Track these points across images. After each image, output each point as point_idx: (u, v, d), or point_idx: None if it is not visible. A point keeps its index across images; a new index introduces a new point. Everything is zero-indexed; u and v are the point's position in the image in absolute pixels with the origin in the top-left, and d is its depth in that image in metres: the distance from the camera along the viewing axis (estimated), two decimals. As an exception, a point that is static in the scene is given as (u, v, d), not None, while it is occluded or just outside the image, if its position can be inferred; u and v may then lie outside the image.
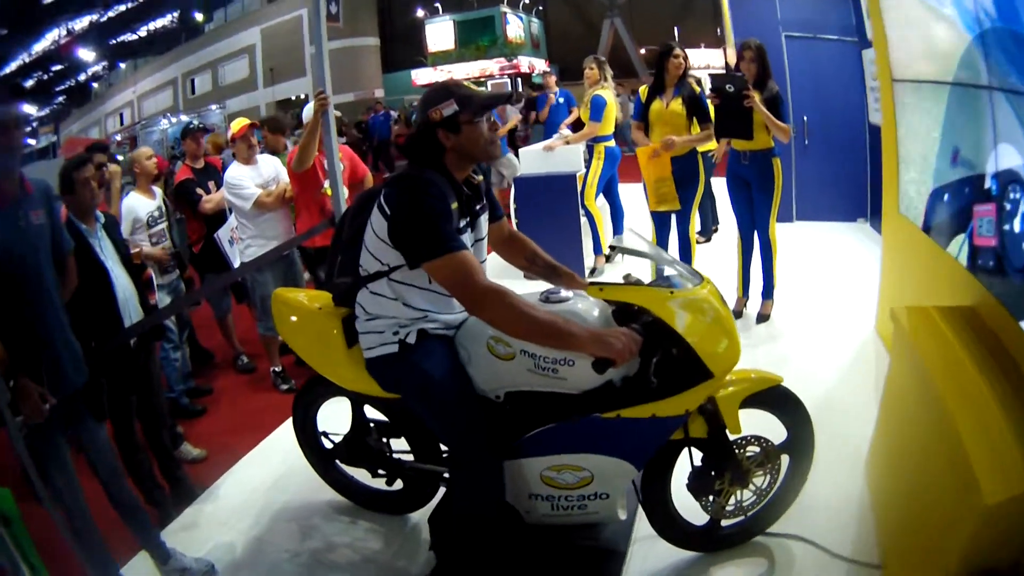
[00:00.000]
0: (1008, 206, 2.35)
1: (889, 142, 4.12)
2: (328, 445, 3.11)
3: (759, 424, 2.60)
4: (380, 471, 3.00)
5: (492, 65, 25.47)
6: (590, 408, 2.38)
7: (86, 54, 36.32)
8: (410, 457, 2.94)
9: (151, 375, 3.60)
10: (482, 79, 26.03)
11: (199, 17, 35.69)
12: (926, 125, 3.32)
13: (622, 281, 2.49)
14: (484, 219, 2.59)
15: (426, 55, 27.84)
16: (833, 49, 7.72)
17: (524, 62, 25.05)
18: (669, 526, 2.67)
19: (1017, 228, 2.29)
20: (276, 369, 4.96)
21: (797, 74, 7.27)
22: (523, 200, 6.56)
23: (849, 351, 4.57)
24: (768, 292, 5.19)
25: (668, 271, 2.64)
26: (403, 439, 2.96)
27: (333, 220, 4.42)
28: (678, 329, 2.31)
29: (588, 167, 6.61)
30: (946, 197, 3.06)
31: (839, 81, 7.66)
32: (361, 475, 3.14)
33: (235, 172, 4.77)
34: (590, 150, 6.65)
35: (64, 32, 35.54)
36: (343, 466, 3.17)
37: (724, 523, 2.71)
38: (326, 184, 4.70)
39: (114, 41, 36.44)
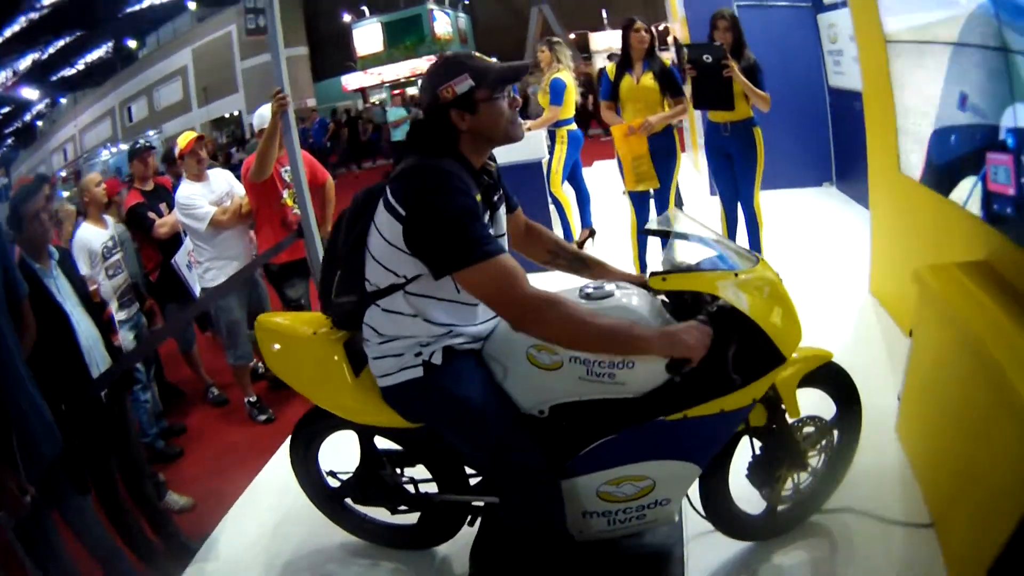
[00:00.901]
0: None
1: (879, 103, 4.07)
2: (334, 484, 2.80)
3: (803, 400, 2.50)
4: (401, 507, 2.71)
5: (422, 63, 25.26)
6: (652, 412, 2.17)
7: (30, 93, 35.52)
8: (431, 486, 2.64)
9: (127, 426, 3.25)
10: (412, 78, 25.84)
11: (132, 44, 34.78)
12: (925, 82, 3.32)
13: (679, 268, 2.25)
14: (503, 211, 2.30)
15: (355, 59, 27.54)
16: (788, 15, 7.84)
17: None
18: (728, 520, 2.54)
19: None
20: (251, 399, 4.69)
21: (752, 43, 7.10)
22: None
23: (849, 316, 4.56)
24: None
25: (718, 252, 2.36)
26: (420, 467, 2.68)
27: (300, 232, 4.24)
28: (748, 313, 2.12)
29: (551, 153, 6.50)
30: (952, 139, 3.04)
31: (796, 47, 7.72)
32: (375, 511, 2.87)
33: (186, 191, 4.43)
34: (552, 135, 6.53)
35: (11, 74, 34.81)
36: (354, 504, 2.85)
37: (780, 508, 2.60)
38: (285, 194, 4.46)
39: (55, 77, 35.63)
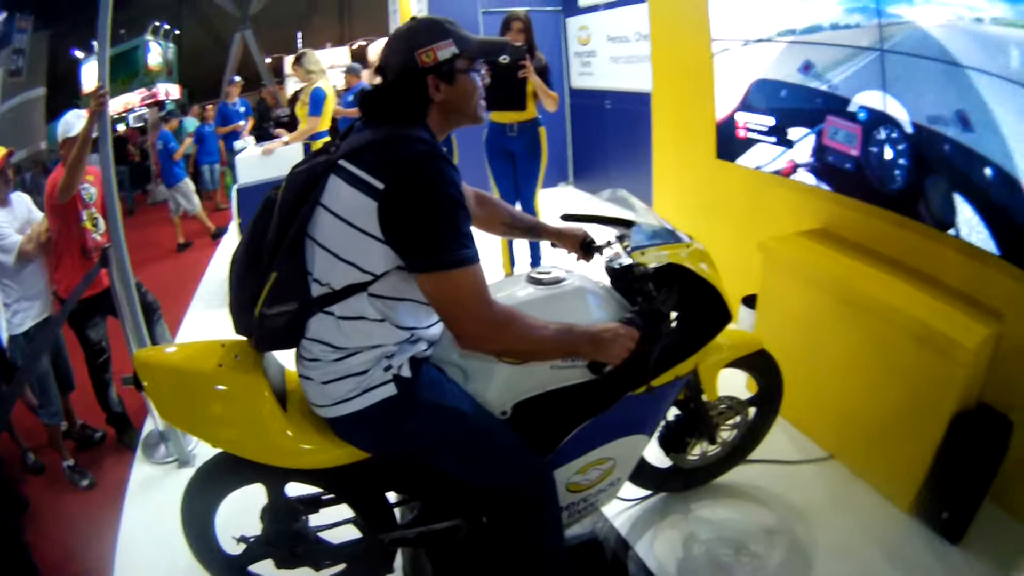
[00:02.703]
0: (877, 137, 2.97)
1: (698, 99, 4.41)
2: (237, 550, 2.24)
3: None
4: (327, 561, 2.29)
5: (134, 97, 23.55)
6: (621, 389, 2.14)
7: None
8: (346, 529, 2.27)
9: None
10: (123, 113, 23.93)
11: None
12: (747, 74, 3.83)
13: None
14: None
15: (81, 96, 24.99)
16: (534, 18, 7.97)
17: (162, 89, 23.63)
18: (637, 471, 2.55)
19: (888, 156, 2.94)
20: (69, 463, 3.93)
21: None
22: (248, 212, 5.91)
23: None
24: (537, 261, 5.36)
25: (650, 229, 2.34)
26: (327, 511, 2.27)
27: (105, 261, 3.61)
28: (707, 278, 2.22)
29: None
30: (783, 93, 3.53)
31: (541, 48, 7.86)
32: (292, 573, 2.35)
33: None
34: (307, 149, 6.26)
35: None
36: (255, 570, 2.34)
37: (685, 468, 2.83)
38: (84, 216, 3.81)
39: None
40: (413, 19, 1.80)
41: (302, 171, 1.79)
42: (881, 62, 2.86)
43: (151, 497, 2.98)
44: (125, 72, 23.17)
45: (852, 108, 3.07)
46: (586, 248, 2.43)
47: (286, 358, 2.01)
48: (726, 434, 2.81)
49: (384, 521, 2.16)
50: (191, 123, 11.67)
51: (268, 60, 23.81)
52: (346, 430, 1.88)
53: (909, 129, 2.79)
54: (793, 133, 3.48)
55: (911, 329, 2.68)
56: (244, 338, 1.95)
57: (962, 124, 2.53)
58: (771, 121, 3.63)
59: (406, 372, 1.82)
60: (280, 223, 1.77)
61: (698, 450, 2.78)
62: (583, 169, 9.08)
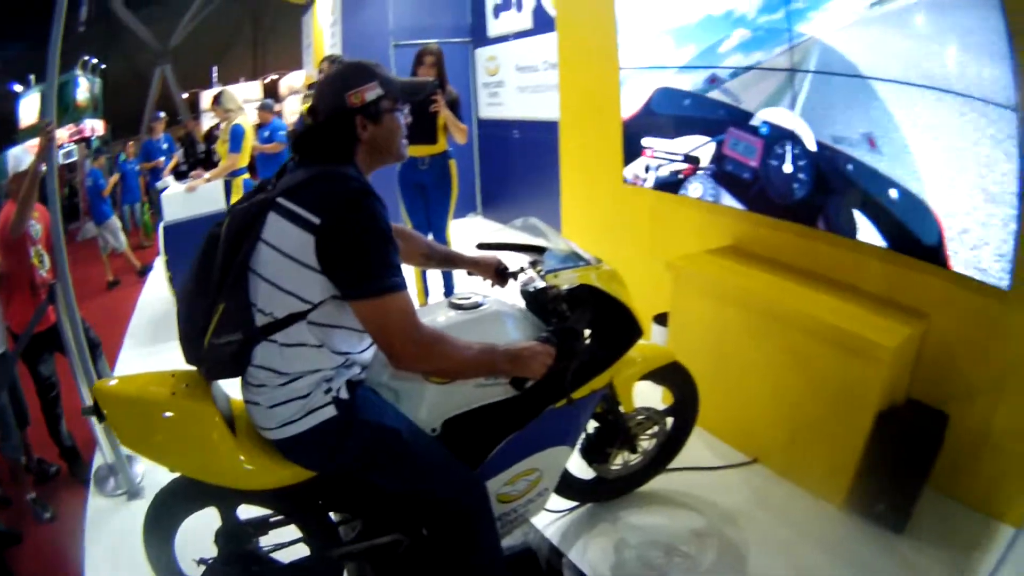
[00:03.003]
0: (778, 151, 3.18)
1: (605, 125, 4.55)
2: (197, 572, 2.30)
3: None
4: None
5: (63, 133, 22.81)
6: (543, 403, 2.27)
7: None
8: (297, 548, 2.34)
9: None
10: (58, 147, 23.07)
11: None
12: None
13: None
14: None
15: (18, 131, 24.02)
16: (444, 50, 8.10)
17: (88, 125, 23.04)
18: (564, 484, 2.73)
19: (787, 171, 3.15)
20: (32, 496, 3.79)
21: (406, 76, 7.61)
22: (175, 249, 5.89)
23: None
24: (450, 291, 5.38)
25: (561, 253, 2.53)
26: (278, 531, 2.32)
27: (52, 296, 3.57)
28: (618, 296, 2.41)
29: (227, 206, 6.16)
30: (686, 102, 3.70)
31: (450, 80, 8.00)
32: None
33: None
34: (227, 186, 6.23)
35: None
36: None
37: (609, 478, 2.93)
38: (32, 252, 3.77)
39: None
40: (342, 63, 1.98)
41: (242, 209, 1.88)
42: (791, 81, 3.04)
43: (109, 528, 3.11)
44: (60, 106, 22.39)
45: (755, 122, 3.25)
46: (501, 275, 2.57)
47: (231, 387, 2.09)
48: (646, 443, 2.91)
49: (330, 538, 2.25)
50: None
51: (185, 96, 23.62)
52: (292, 451, 1.97)
53: (813, 147, 2.98)
54: (694, 140, 3.65)
55: (826, 335, 2.86)
56: (192, 367, 2.02)
57: (868, 144, 2.74)
58: (672, 127, 3.81)
59: (344, 394, 1.94)
60: (224, 258, 1.86)
61: (620, 460, 2.89)
62: (492, 199, 9.18)
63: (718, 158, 3.51)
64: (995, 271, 2.44)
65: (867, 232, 2.86)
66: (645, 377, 2.75)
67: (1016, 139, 2.26)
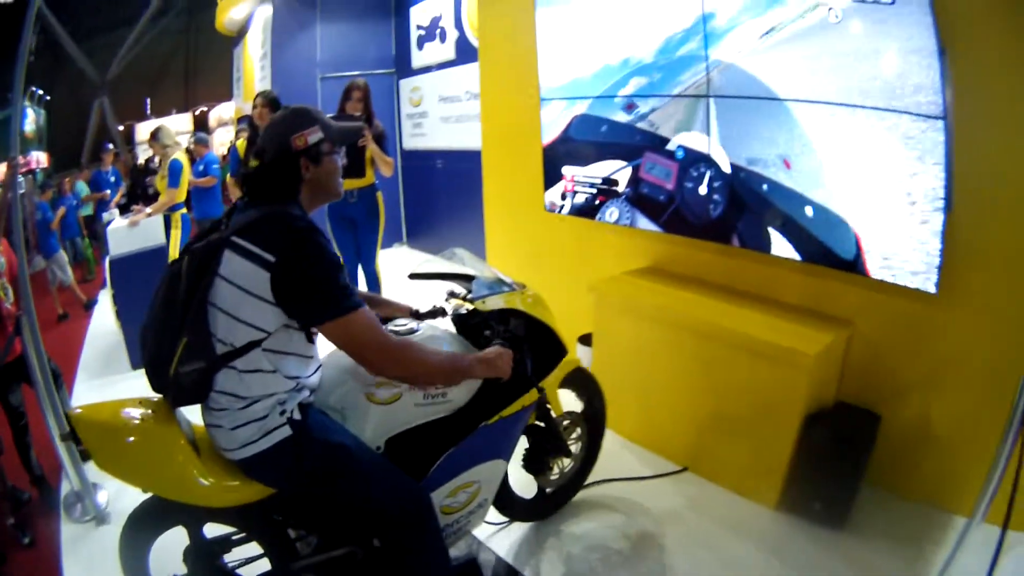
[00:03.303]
0: (693, 174, 3.37)
1: (527, 154, 4.67)
2: None
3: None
4: None
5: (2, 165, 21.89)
6: (477, 420, 2.45)
7: None
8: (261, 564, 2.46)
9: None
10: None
11: None
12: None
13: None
14: None
15: None
16: (369, 82, 8.21)
17: (33, 157, 22.42)
18: (508, 503, 2.92)
19: (703, 192, 3.34)
20: (11, 522, 3.78)
21: (332, 108, 7.63)
22: (120, 282, 5.78)
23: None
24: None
25: (487, 281, 2.71)
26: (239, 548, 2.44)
27: (19, 328, 3.64)
28: (542, 318, 2.62)
29: (168, 239, 6.09)
30: (604, 128, 3.88)
31: (376, 111, 8.07)
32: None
33: None
34: (167, 220, 6.18)
35: None
36: None
37: (549, 490, 3.09)
38: None
39: None
40: (286, 108, 2.17)
41: (200, 248, 2.03)
42: (705, 106, 3.24)
43: (84, 551, 3.21)
44: (4, 135, 21.63)
45: (671, 147, 3.44)
46: (416, 316, 2.71)
47: (192, 413, 2.21)
48: (574, 447, 3.07)
49: (289, 553, 2.36)
50: (82, 187, 11.31)
51: (120, 128, 23.30)
52: (253, 469, 2.10)
53: (727, 169, 3.17)
54: (611, 165, 3.82)
55: (746, 346, 3.04)
56: (157, 395, 2.16)
57: (783, 165, 2.95)
58: (591, 153, 3.97)
59: (297, 415, 2.08)
60: (186, 293, 2.02)
61: (557, 468, 3.04)
62: (417, 229, 9.23)
63: (634, 181, 3.68)
64: (921, 277, 2.66)
65: (783, 247, 3.05)
66: (561, 385, 2.95)
67: (943, 147, 2.48)
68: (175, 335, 2.04)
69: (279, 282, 1.92)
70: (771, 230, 3.08)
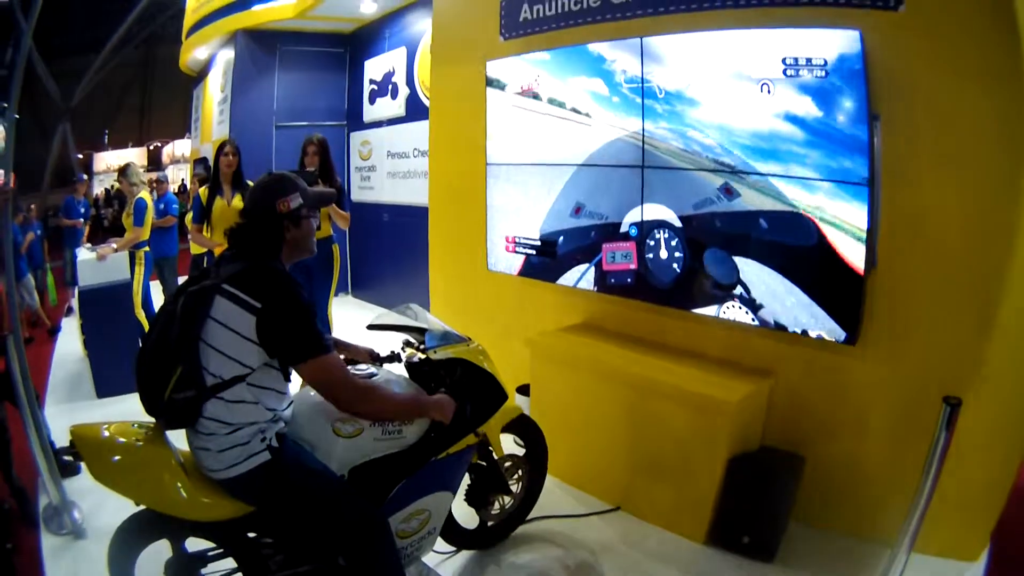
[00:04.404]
0: (652, 243, 3.64)
1: (471, 214, 4.89)
2: None
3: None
4: None
5: None
6: (427, 455, 2.73)
7: None
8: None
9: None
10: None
11: None
12: (518, 196, 4.44)
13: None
14: None
15: None
16: (322, 133, 8.32)
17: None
18: (453, 533, 3.19)
19: (664, 256, 3.60)
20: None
21: (285, 157, 7.80)
22: (88, 311, 5.92)
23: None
24: None
25: (438, 333, 3.03)
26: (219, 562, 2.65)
27: (3, 345, 3.82)
28: (484, 367, 2.94)
29: (132, 275, 6.08)
30: (561, 239, 4.16)
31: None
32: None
33: None
34: (131, 257, 6.20)
35: None
36: None
37: (490, 523, 3.33)
38: None
39: None
40: (270, 174, 2.51)
41: (194, 291, 2.30)
42: (641, 177, 3.57)
43: (65, 561, 3.32)
44: None
45: (624, 228, 3.75)
46: (375, 359, 2.97)
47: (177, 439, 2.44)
48: (515, 487, 3.33)
49: (260, 568, 2.55)
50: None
51: (80, 156, 22.91)
52: (235, 488, 2.34)
53: (678, 223, 3.48)
54: (576, 273, 4.09)
55: (670, 394, 3.32)
56: (148, 418, 2.41)
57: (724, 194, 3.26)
58: (555, 268, 4.21)
59: (275, 443, 2.35)
60: (181, 330, 2.27)
61: (498, 505, 3.30)
62: (362, 280, 9.30)
63: (600, 278, 3.94)
64: (838, 330, 2.97)
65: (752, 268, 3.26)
66: (504, 430, 3.23)
67: (866, 211, 2.80)
68: (169, 365, 2.28)
69: (263, 325, 2.22)
70: (736, 259, 3.29)
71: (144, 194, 6.28)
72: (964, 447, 2.60)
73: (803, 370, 3.31)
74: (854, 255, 2.87)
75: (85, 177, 11.00)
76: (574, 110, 3.88)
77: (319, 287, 5.16)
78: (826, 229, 2.93)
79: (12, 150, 3.75)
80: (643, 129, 3.51)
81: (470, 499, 3.22)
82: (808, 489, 3.26)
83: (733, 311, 3.33)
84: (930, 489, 2.46)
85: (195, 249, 6.00)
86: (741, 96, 3.12)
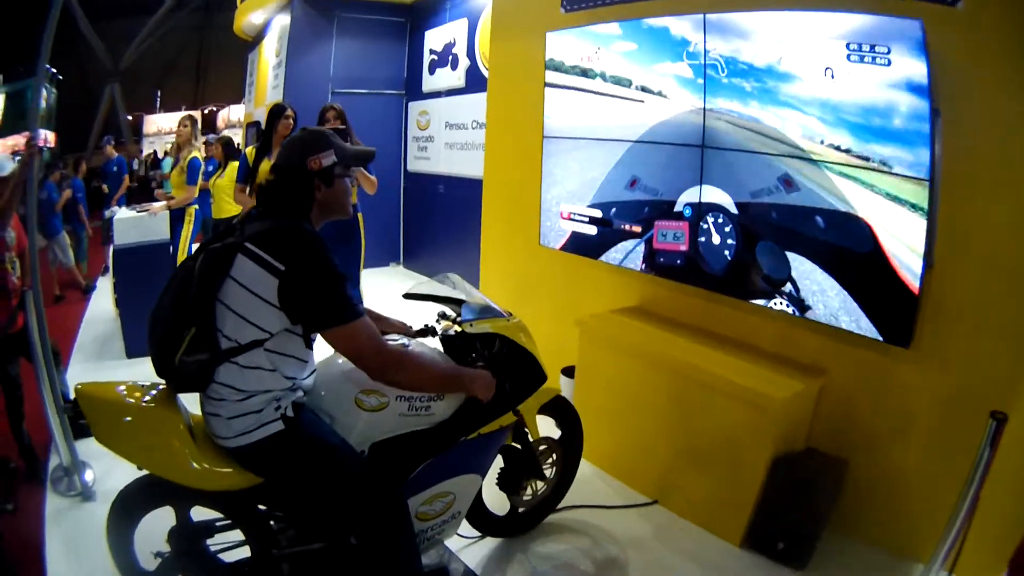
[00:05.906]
0: (705, 226, 3.55)
1: (528, 188, 4.82)
2: (151, 566, 2.51)
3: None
4: None
5: (20, 139, 21.66)
6: (457, 435, 2.61)
7: None
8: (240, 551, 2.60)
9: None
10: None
11: None
12: (575, 168, 4.36)
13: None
14: None
15: None
16: (379, 101, 8.73)
17: (42, 135, 21.93)
18: (481, 518, 3.11)
19: (716, 241, 3.51)
20: None
21: None
22: (122, 271, 5.93)
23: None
24: None
25: (476, 306, 2.89)
26: (224, 534, 2.56)
27: (23, 301, 3.75)
28: (525, 345, 2.80)
29: (179, 232, 6.31)
30: (614, 211, 4.07)
31: (383, 131, 8.60)
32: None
33: None
34: (182, 213, 6.43)
35: None
36: None
37: (521, 510, 3.23)
38: (5, 258, 3.82)
39: None
40: (304, 130, 2.36)
41: (215, 249, 2.20)
42: (701, 158, 3.47)
43: (67, 523, 3.31)
44: (15, 112, 21.49)
45: (678, 208, 3.64)
46: (408, 333, 2.83)
47: (190, 403, 2.36)
48: (548, 471, 3.23)
49: (269, 542, 2.49)
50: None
51: (129, 118, 23.44)
52: (245, 458, 2.25)
53: (734, 210, 3.38)
54: (625, 247, 4.01)
55: (719, 387, 3.21)
56: (158, 380, 2.32)
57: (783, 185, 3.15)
58: (603, 243, 4.15)
59: (290, 413, 2.25)
60: (198, 289, 2.17)
61: (530, 490, 3.19)
62: (414, 250, 9.36)
63: (649, 255, 3.86)
64: (895, 331, 2.85)
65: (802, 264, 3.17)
66: (540, 411, 3.11)
67: (926, 204, 2.68)
68: (183, 325, 2.18)
69: (286, 289, 2.10)
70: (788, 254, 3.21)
71: (196, 153, 6.43)
72: (999, 466, 2.43)
73: (853, 371, 3.19)
74: (910, 268, 2.74)
75: (112, 141, 11.24)
76: (634, 85, 3.78)
77: (349, 259, 5.03)
78: (883, 238, 2.80)
79: (38, 110, 3.79)
80: (704, 107, 3.40)
81: (502, 483, 3.12)
82: (848, 496, 3.17)
83: (780, 308, 3.23)
84: (969, 506, 2.35)
85: (218, 213, 6.21)
86: (805, 79, 3.00)
